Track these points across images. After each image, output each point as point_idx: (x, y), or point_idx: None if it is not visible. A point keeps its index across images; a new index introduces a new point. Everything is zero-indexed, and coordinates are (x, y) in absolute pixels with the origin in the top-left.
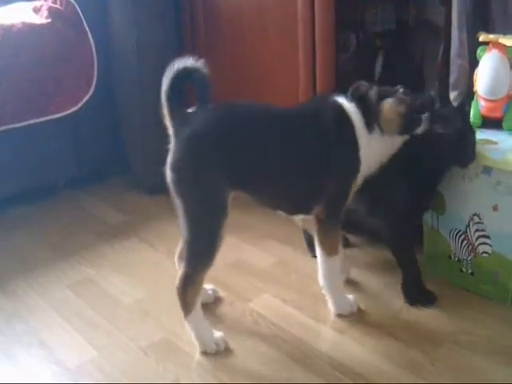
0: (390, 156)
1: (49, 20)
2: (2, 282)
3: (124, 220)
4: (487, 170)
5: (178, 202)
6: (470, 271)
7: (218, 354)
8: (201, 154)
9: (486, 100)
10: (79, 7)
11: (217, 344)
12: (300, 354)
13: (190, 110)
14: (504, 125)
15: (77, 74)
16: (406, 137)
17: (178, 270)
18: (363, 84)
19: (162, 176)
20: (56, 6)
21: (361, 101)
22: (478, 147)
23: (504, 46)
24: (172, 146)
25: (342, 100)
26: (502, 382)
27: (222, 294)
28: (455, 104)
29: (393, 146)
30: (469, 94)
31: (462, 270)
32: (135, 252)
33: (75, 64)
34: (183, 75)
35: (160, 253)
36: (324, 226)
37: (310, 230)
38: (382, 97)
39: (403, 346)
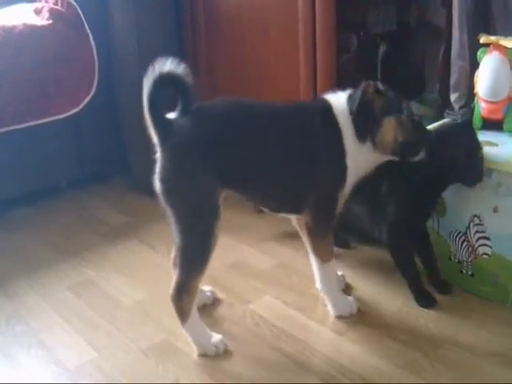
0: (379, 164)
1: (50, 21)
2: (3, 283)
3: (125, 221)
4: (488, 171)
5: (168, 211)
6: (470, 273)
7: (217, 356)
8: (188, 162)
9: (487, 102)
10: (80, 9)
11: (216, 347)
12: (300, 356)
13: (171, 116)
14: (504, 126)
15: (78, 75)
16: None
17: (173, 276)
18: (371, 85)
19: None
20: (57, 7)
21: (362, 108)
22: None
23: (505, 47)
24: (158, 156)
25: (334, 99)
26: (501, 383)
27: (221, 295)
28: (462, 119)
29: (381, 159)
30: (469, 96)
31: (462, 272)
32: (136, 253)
33: (76, 65)
34: (165, 81)
35: (160, 254)
36: (315, 234)
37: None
38: (386, 112)
39: (403, 347)
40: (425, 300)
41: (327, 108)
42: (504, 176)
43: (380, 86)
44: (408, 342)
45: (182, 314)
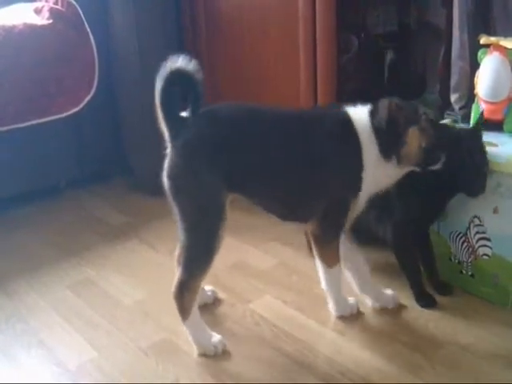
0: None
1: (50, 21)
2: (3, 282)
3: (125, 221)
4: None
5: (175, 208)
6: (470, 273)
7: (216, 355)
8: (197, 161)
9: (487, 102)
10: (80, 8)
11: (215, 347)
12: (300, 355)
13: (184, 114)
14: (505, 127)
15: (78, 74)
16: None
17: (176, 273)
18: (394, 102)
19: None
20: (57, 7)
21: (389, 126)
22: None
23: (505, 48)
24: (168, 152)
25: (354, 113)
26: (501, 383)
27: (222, 295)
28: (471, 126)
29: (402, 173)
30: (470, 97)
31: (462, 272)
32: (136, 253)
33: (76, 65)
34: (177, 77)
35: (161, 254)
36: (320, 241)
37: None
38: (408, 124)
39: (403, 348)
40: (425, 300)
41: (347, 120)
42: (504, 177)
43: (399, 101)
44: (408, 342)
45: (183, 311)
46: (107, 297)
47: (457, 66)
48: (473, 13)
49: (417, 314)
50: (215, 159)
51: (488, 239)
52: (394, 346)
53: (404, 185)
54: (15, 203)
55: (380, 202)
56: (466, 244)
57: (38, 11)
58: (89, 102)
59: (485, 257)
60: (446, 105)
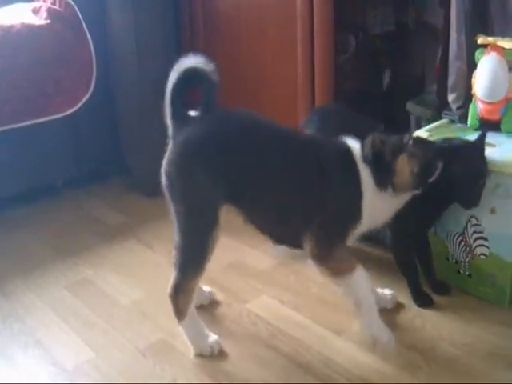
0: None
1: (48, 21)
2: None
3: (122, 221)
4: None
5: (170, 207)
6: (467, 273)
7: (213, 356)
8: (193, 160)
9: (485, 102)
10: (78, 8)
11: (211, 347)
12: (297, 355)
13: (192, 114)
14: (502, 127)
15: (76, 74)
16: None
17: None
18: (378, 138)
19: (161, 178)
20: (55, 7)
21: (375, 158)
22: None
23: (502, 48)
24: (169, 148)
25: (352, 145)
26: (498, 383)
27: (219, 295)
28: (475, 139)
29: (402, 201)
30: (467, 97)
31: (459, 272)
32: (133, 253)
33: (74, 65)
34: (192, 75)
35: (158, 254)
36: (320, 256)
37: None
38: (395, 154)
39: (399, 347)
40: (422, 300)
41: (347, 150)
42: (501, 177)
43: (383, 136)
44: (405, 342)
45: (179, 312)
46: (104, 297)
47: (454, 66)
48: (470, 13)
49: (414, 313)
50: (212, 162)
51: (485, 239)
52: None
53: None
54: (12, 203)
55: None
56: (463, 244)
57: (35, 11)
58: (86, 102)
59: (482, 256)
60: (444, 105)
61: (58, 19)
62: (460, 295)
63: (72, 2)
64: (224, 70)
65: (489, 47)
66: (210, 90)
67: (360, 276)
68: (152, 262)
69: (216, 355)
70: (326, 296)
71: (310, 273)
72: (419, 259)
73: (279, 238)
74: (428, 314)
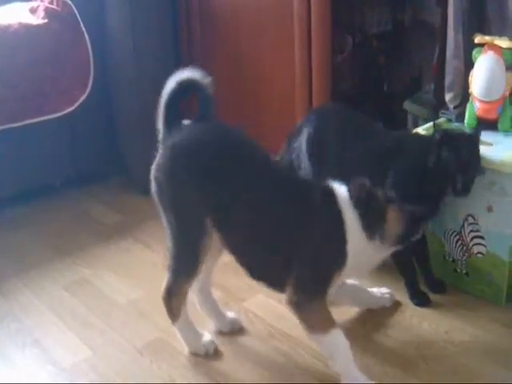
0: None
1: (45, 20)
2: None
3: (120, 220)
4: (482, 171)
5: (160, 213)
6: (464, 271)
7: (208, 355)
8: (182, 164)
9: (482, 101)
10: (76, 8)
11: (205, 347)
12: (295, 354)
13: (185, 123)
14: (499, 126)
15: (73, 74)
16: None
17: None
18: (364, 184)
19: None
20: (53, 6)
21: (365, 203)
22: None
23: (499, 47)
24: (158, 153)
25: (337, 188)
26: (494, 382)
27: (216, 294)
28: (470, 131)
29: (385, 254)
30: (464, 96)
31: (456, 271)
32: (131, 252)
33: (71, 64)
34: (188, 86)
35: (155, 253)
36: (299, 306)
37: None
38: (384, 202)
39: (397, 346)
40: (419, 299)
41: (331, 192)
42: (498, 175)
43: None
44: (402, 340)
45: (172, 314)
46: (102, 296)
47: (451, 65)
48: (468, 12)
49: (411, 312)
50: (200, 169)
51: (482, 237)
52: (388, 344)
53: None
54: (10, 203)
55: None
56: (460, 242)
57: (33, 11)
58: (84, 101)
59: (479, 255)
60: (441, 104)
61: (55, 19)
62: (457, 293)
63: (69, 2)
64: (221, 70)
65: (486, 46)
66: (206, 103)
67: (335, 337)
68: (149, 261)
69: (211, 355)
70: None
71: None
72: (416, 258)
73: (258, 275)
74: (425, 312)
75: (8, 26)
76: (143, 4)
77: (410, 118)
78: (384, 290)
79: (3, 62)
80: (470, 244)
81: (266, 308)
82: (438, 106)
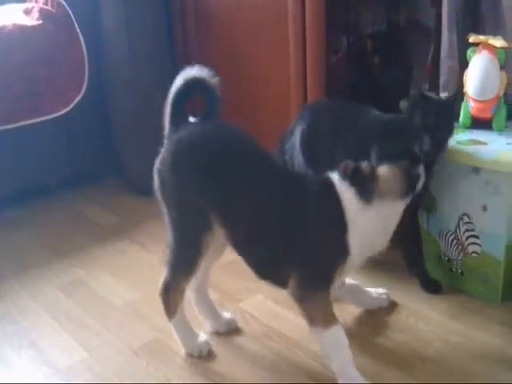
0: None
1: (40, 22)
2: None
3: (116, 221)
4: (476, 170)
5: (162, 208)
6: (459, 271)
7: (201, 356)
8: (186, 158)
9: (476, 101)
10: (70, 9)
11: (199, 348)
12: (292, 354)
13: (192, 120)
14: (493, 125)
15: (68, 75)
16: (407, 201)
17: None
18: (350, 163)
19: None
20: (47, 7)
21: (353, 176)
22: (467, 148)
23: (494, 47)
24: (163, 147)
25: (336, 179)
26: (490, 381)
27: (212, 295)
28: (447, 97)
29: (395, 212)
30: (459, 95)
31: (451, 270)
32: (127, 253)
33: (66, 65)
34: (197, 85)
35: (151, 254)
36: (302, 299)
37: None
38: (372, 165)
39: (393, 346)
40: (432, 286)
41: (328, 184)
42: (492, 175)
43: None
44: (399, 340)
45: (169, 310)
46: (98, 298)
47: (446, 64)
48: (462, 11)
49: (407, 312)
50: (204, 163)
51: (477, 237)
52: (384, 344)
53: None
54: (5, 204)
55: None
56: (455, 242)
57: (27, 12)
58: (79, 102)
59: (474, 254)
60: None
61: (50, 20)
62: (452, 293)
63: (64, 3)
64: (216, 70)
65: (480, 46)
66: (212, 102)
67: (335, 333)
68: (145, 262)
69: (204, 356)
70: None
71: None
72: (411, 258)
73: (263, 273)
74: (421, 312)
75: (2, 28)
76: (138, 4)
77: None
78: (380, 290)
79: None
80: (466, 243)
81: (262, 309)
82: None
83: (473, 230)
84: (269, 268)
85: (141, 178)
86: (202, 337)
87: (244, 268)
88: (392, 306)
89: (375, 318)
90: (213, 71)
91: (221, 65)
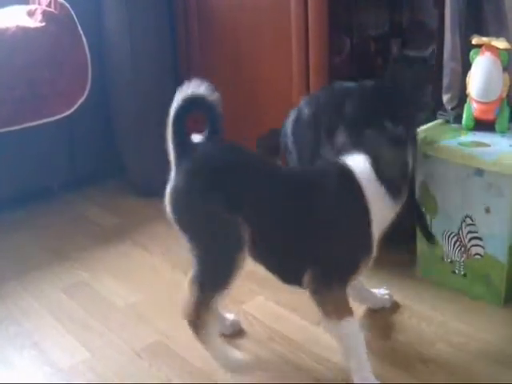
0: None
1: (43, 23)
2: None
3: (118, 223)
4: (479, 172)
5: (181, 235)
6: (462, 273)
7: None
8: (208, 188)
9: (479, 102)
10: (73, 11)
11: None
12: (294, 357)
13: (196, 140)
14: (496, 127)
15: (71, 77)
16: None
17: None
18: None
19: (156, 179)
20: (50, 9)
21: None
22: (470, 149)
23: (497, 48)
24: (171, 176)
25: (355, 163)
26: (492, 382)
27: None
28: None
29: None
30: (462, 97)
31: (454, 272)
32: (129, 255)
33: (69, 67)
34: (196, 103)
35: (154, 256)
36: (319, 291)
37: None
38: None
39: (396, 346)
40: (433, 238)
41: (346, 171)
42: (495, 177)
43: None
44: (401, 340)
45: (201, 334)
46: (101, 299)
47: (449, 66)
48: (464, 13)
49: (409, 313)
50: (227, 186)
51: (480, 239)
52: (386, 345)
53: None
54: (8, 206)
55: None
56: (458, 243)
57: (31, 14)
58: (81, 104)
59: (477, 256)
60: (438, 105)
61: (53, 22)
62: (455, 295)
63: (67, 5)
64: (220, 71)
65: (483, 47)
66: (214, 120)
67: (350, 326)
68: (148, 264)
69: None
70: None
71: None
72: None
73: (286, 277)
74: (423, 313)
75: (6, 29)
76: (140, 5)
77: None
78: (383, 291)
79: (1, 65)
80: (468, 245)
81: (265, 311)
82: (436, 107)
83: (476, 232)
84: (294, 271)
85: (143, 180)
86: (236, 353)
87: (246, 269)
88: (394, 306)
89: (378, 319)
90: (215, 72)
91: (223, 65)
